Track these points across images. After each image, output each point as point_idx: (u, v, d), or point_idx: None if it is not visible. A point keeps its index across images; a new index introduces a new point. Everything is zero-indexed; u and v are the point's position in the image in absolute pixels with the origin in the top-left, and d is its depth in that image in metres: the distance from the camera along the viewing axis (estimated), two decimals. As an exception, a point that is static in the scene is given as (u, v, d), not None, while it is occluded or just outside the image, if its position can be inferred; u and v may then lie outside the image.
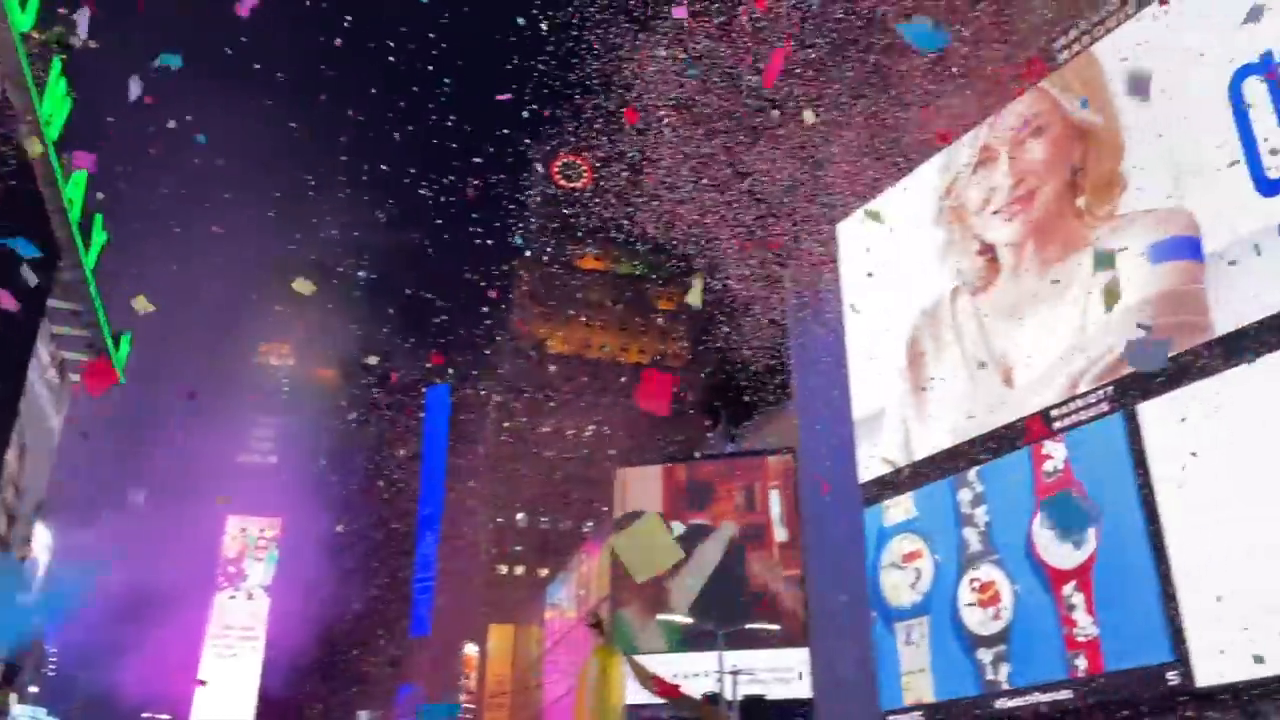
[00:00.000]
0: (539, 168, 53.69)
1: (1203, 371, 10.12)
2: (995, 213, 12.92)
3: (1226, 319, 10.04)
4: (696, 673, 17.42)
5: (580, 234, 49.18)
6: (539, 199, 52.49)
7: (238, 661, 50.69)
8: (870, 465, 14.29)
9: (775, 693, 16.81)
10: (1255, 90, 10.32)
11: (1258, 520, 9.31)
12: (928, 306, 13.88)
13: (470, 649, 38.28)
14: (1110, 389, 11.09)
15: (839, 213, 15.21)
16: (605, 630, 6.37)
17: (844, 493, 14.46)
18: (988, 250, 13.07)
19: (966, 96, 12.73)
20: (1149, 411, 10.62)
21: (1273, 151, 10.00)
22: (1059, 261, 12.08)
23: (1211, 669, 9.64)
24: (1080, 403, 11.41)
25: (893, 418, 14.09)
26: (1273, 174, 9.98)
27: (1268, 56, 10.19)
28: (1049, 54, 12.38)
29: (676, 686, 5.85)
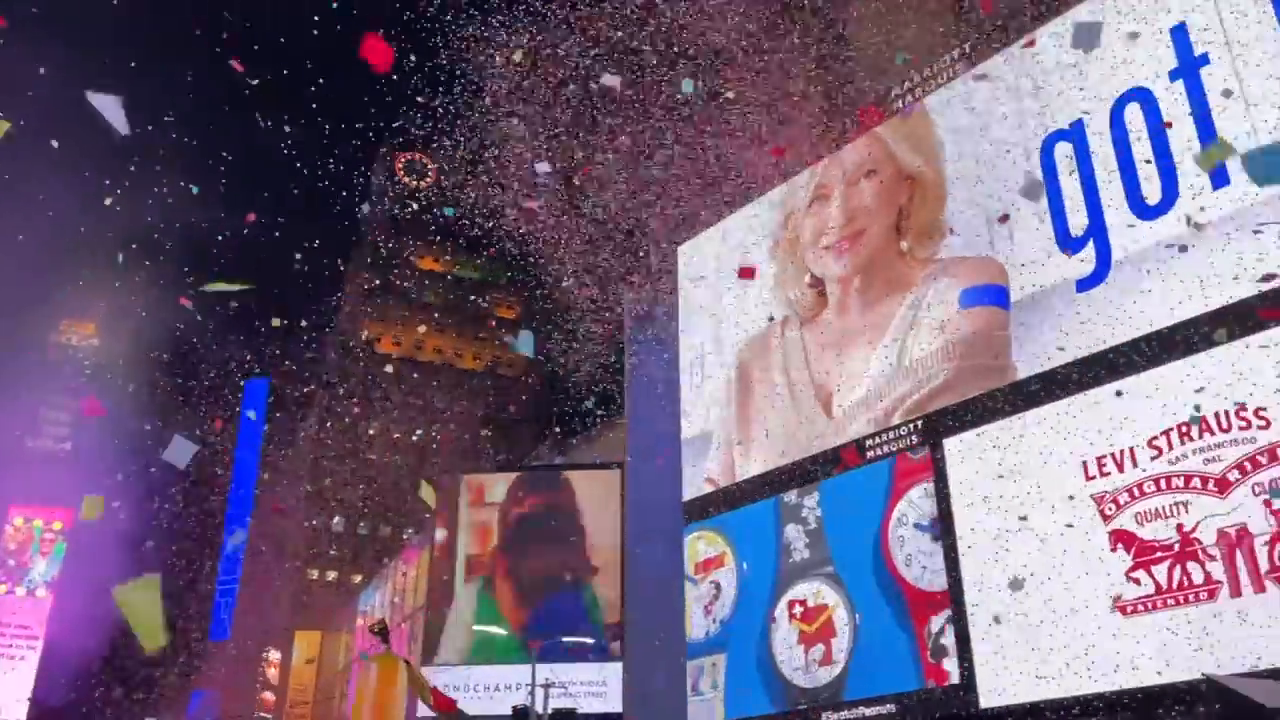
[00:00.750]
0: (383, 162, 52.27)
1: (1000, 412, 10.85)
2: (826, 248, 13.46)
3: (1025, 364, 10.82)
4: (510, 685, 17.37)
5: (421, 234, 48.22)
6: (379, 194, 51.14)
7: (13, 664, 46.59)
8: (694, 485, 14.58)
9: (587, 707, 16.86)
10: (1064, 154, 11.19)
11: (1038, 550, 10.06)
12: (758, 333, 14.33)
13: (273, 655, 36.71)
14: (919, 423, 11.75)
15: (682, 234, 15.55)
16: (387, 637, 6.21)
17: (667, 511, 14.70)
18: (817, 283, 13.60)
19: (808, 134, 13.30)
20: (952, 446, 11.30)
21: (1075, 211, 10.87)
22: (882, 300, 12.69)
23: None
24: (891, 434, 12.02)
25: (719, 440, 14.43)
26: (1075, 232, 10.83)
27: (1078, 124, 11.04)
28: (885, 102, 13.07)
29: (453, 701, 5.77)
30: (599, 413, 20.31)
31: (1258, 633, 8.41)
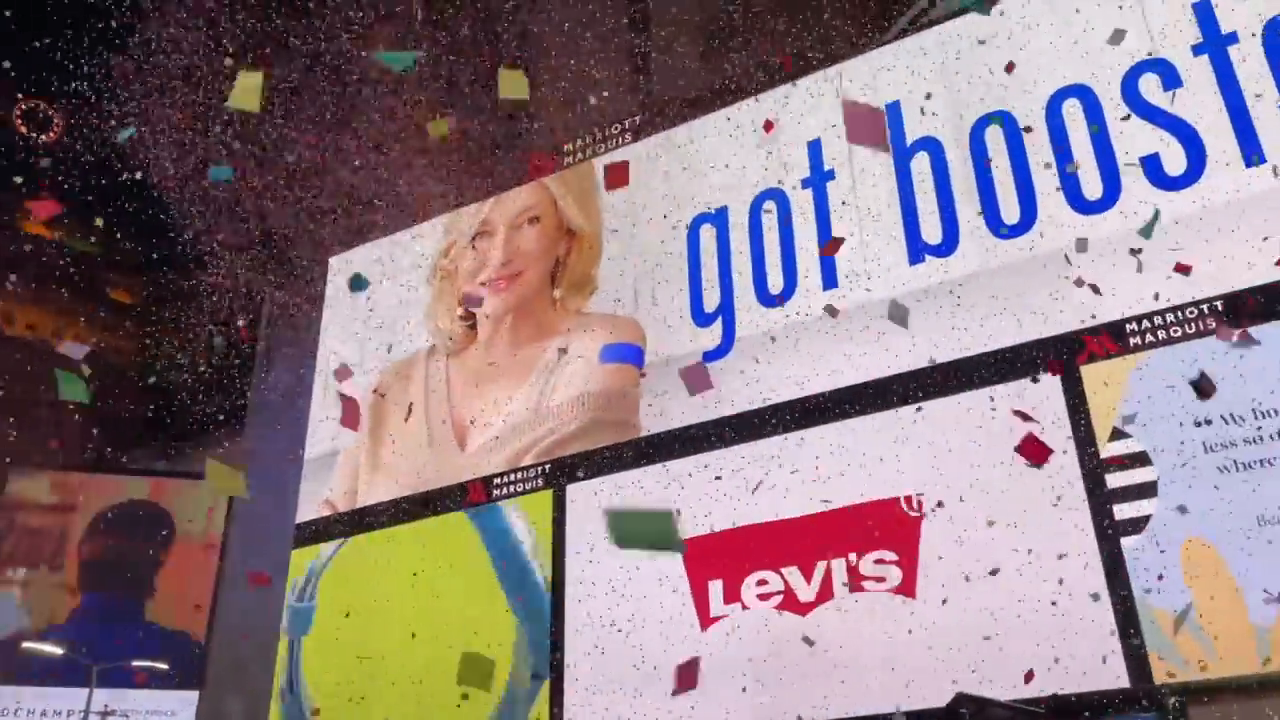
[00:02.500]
0: (-4, 104, 45.32)
1: (623, 465, 11.47)
2: (484, 283, 13.56)
3: (649, 423, 11.54)
4: (60, 711, 15.35)
5: (32, 193, 42.23)
6: (-13, 139, 44.27)
7: None
8: (311, 506, 13.88)
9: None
10: (708, 236, 12.20)
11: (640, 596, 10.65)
12: (403, 358, 14.06)
13: None
14: (547, 467, 12.08)
15: (334, 247, 14.95)
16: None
17: (275, 531, 13.84)
18: (469, 317, 13.64)
19: (480, 169, 13.42)
20: (574, 492, 11.73)
21: (711, 289, 11.85)
22: (530, 343, 12.99)
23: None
24: (520, 475, 12.25)
25: (345, 462, 13.89)
26: (708, 306, 11.79)
27: (722, 210, 12.09)
28: (557, 153, 13.54)
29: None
30: (219, 419, 18.77)
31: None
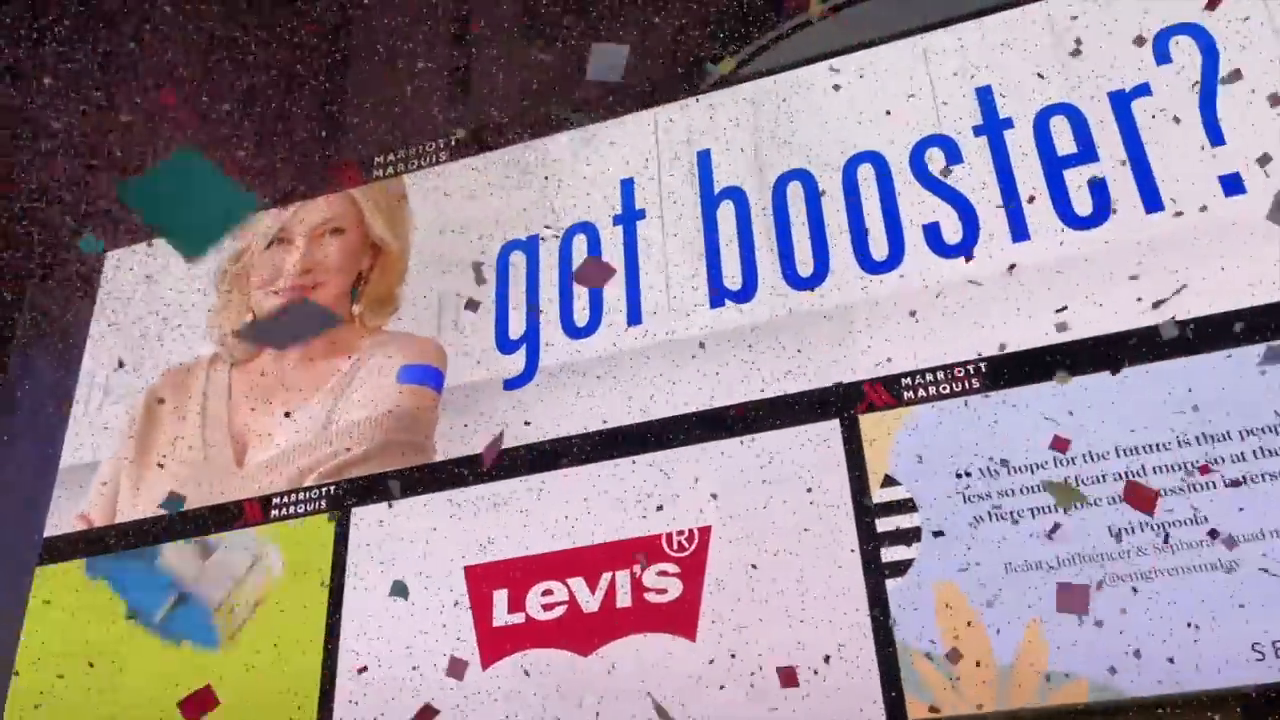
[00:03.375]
0: None
1: (414, 490, 11.13)
2: (278, 293, 12.93)
3: (443, 448, 11.28)
4: None
5: None
6: None
7: None
8: (63, 520, 12.67)
9: None
10: (517, 262, 12.13)
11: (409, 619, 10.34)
12: (179, 365, 13.15)
13: None
14: (330, 489, 11.57)
15: (114, 240, 13.86)
16: None
17: (19, 545, 12.54)
18: (259, 327, 12.96)
19: (277, 174, 12.86)
20: (359, 516, 11.28)
21: (516, 314, 11.77)
22: (322, 359, 12.44)
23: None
24: (302, 495, 11.66)
25: (107, 475, 12.78)
26: (513, 334, 11.68)
27: (533, 239, 12.07)
28: (366, 165, 13.15)
29: None
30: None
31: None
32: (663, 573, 9.51)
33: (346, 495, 11.45)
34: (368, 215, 13.23)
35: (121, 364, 13.03)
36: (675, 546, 9.59)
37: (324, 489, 11.58)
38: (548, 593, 9.99)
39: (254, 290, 13.22)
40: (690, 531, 9.60)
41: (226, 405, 12.71)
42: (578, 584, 9.85)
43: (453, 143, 12.97)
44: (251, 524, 11.70)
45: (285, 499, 11.77)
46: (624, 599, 9.45)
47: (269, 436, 12.14)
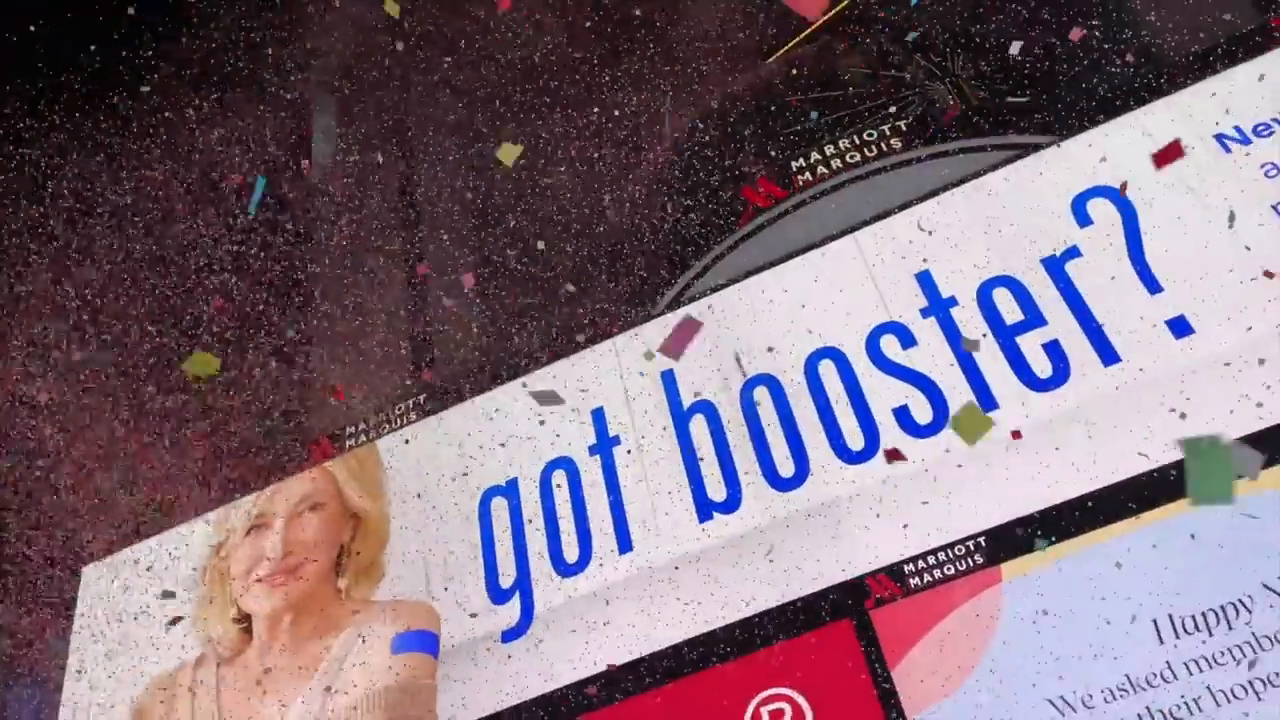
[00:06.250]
0: None
1: (422, 768, 10.48)
2: (259, 580, 12.62)
3: (445, 712, 10.69)
4: None
5: None
6: None
7: None
8: None
9: None
10: (500, 508, 12.00)
11: None
12: (165, 673, 12.57)
13: None
14: (334, 782, 10.84)
15: (88, 554, 13.59)
16: None
17: None
18: (244, 619, 12.51)
19: (250, 461, 12.87)
20: (367, 808, 10.51)
21: (506, 563, 11.49)
22: (312, 640, 11.94)
23: None
24: (304, 795, 10.89)
25: (93, 803, 11.95)
26: (504, 583, 11.38)
27: (513, 482, 12.00)
28: (339, 437, 13.21)
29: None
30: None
31: None
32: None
33: (351, 786, 10.71)
34: (343, 485, 13.16)
35: (96, 682, 12.47)
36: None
37: (327, 783, 10.84)
38: None
39: (235, 583, 12.89)
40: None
41: (217, 707, 12.08)
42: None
43: (422, 402, 13.14)
44: (252, 836, 10.85)
45: (286, 801, 10.99)
46: None
47: (263, 732, 11.49)
